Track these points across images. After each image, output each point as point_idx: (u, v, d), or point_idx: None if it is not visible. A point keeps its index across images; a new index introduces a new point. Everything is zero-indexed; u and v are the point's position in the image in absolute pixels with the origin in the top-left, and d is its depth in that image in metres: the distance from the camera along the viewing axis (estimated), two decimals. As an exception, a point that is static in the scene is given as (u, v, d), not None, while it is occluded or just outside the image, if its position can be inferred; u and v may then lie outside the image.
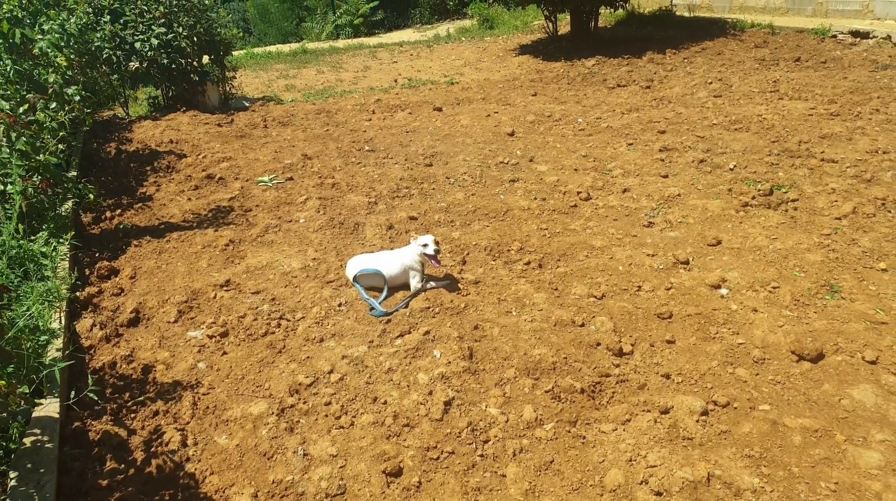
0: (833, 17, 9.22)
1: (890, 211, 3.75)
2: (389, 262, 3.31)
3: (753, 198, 4.03)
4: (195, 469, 2.26)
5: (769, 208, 3.92)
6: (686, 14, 10.93)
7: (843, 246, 3.42)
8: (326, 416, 2.47)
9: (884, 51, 7.52)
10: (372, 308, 3.15)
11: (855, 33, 8.19)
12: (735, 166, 4.53)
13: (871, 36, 8.01)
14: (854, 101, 5.70)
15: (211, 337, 3.03)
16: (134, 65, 6.87)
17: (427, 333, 2.88)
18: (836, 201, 3.90)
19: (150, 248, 3.96)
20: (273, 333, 3.04)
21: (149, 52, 6.59)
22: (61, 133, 4.11)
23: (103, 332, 3.05)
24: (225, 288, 3.45)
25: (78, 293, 3.33)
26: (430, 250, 3.19)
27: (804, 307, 2.93)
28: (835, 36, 8.36)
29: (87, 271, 3.65)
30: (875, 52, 7.51)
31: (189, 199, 4.77)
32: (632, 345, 2.76)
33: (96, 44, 6.33)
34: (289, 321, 3.13)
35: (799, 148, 4.74)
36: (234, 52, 8.02)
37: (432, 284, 3.31)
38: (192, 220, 4.37)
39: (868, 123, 5.13)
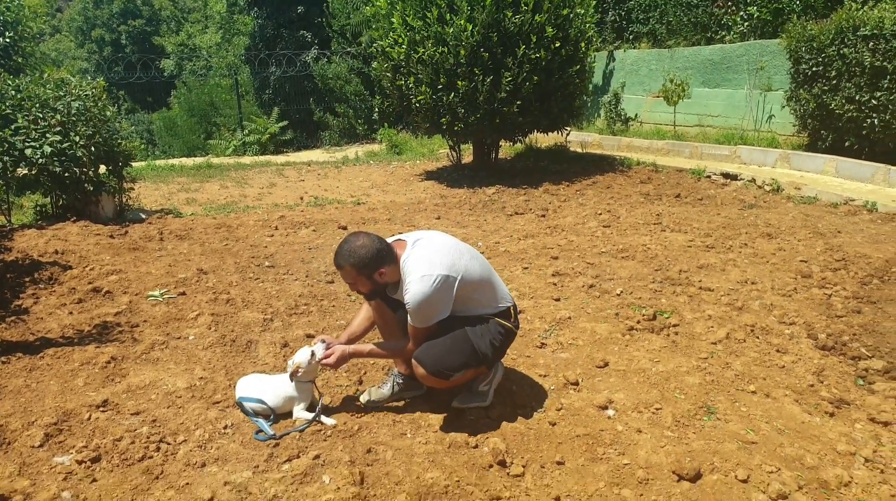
0: (707, 159, 10.24)
1: (758, 337, 4.05)
2: (276, 389, 3.16)
3: (638, 322, 4.25)
4: None
5: (652, 333, 4.14)
6: (579, 150, 11.84)
7: (718, 369, 3.63)
8: (202, 551, 2.29)
9: (750, 191, 8.37)
10: (259, 431, 3.01)
11: (726, 175, 9.11)
12: (622, 292, 4.79)
13: (739, 178, 8.93)
14: (726, 235, 6.25)
15: (80, 463, 2.78)
16: (22, 171, 6.62)
17: (317, 457, 2.77)
18: (712, 327, 4.17)
19: (21, 365, 3.68)
20: (151, 457, 2.84)
21: (40, 160, 6.39)
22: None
23: (-47, 459, 2.75)
24: (101, 409, 3.22)
25: (-72, 415, 3.01)
26: (320, 353, 3.07)
27: (684, 428, 3.05)
28: (709, 176, 9.25)
29: (-57, 390, 3.33)
30: (743, 192, 8.34)
31: (71, 313, 4.51)
32: (523, 467, 2.76)
33: (-18, 149, 6.09)
34: (169, 444, 2.94)
35: (679, 276, 5.09)
36: (134, 164, 7.89)
37: (324, 419, 3.09)
38: (72, 335, 4.12)
39: (738, 255, 5.62)
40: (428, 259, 2.83)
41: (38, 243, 5.84)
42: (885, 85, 7.98)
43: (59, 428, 3.04)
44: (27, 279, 5.03)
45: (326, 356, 3.05)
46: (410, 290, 2.79)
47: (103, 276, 5.13)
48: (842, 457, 2.83)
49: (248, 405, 3.17)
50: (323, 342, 3.14)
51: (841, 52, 8.41)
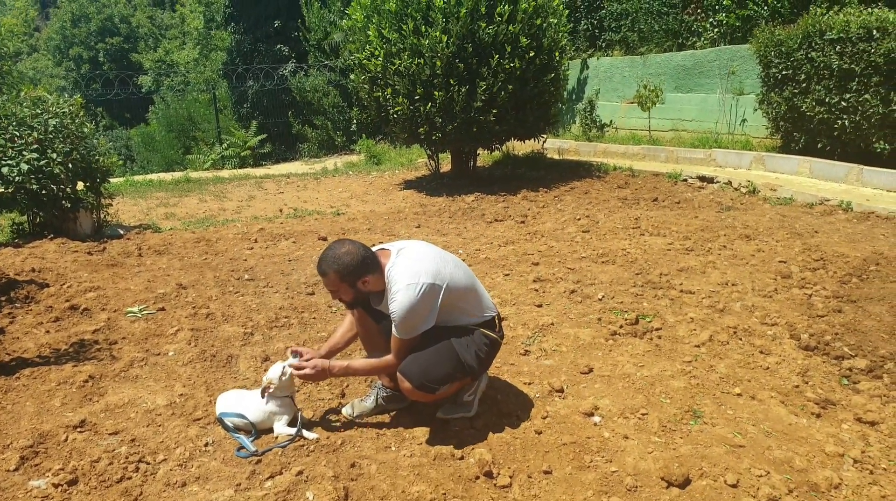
0: (683, 163, 10.34)
1: (741, 338, 4.07)
2: (257, 404, 3.12)
3: (621, 327, 4.26)
4: None
5: (635, 337, 4.15)
6: (556, 157, 11.91)
7: (702, 372, 3.64)
8: (184, 572, 2.24)
9: (726, 194, 8.46)
10: (240, 448, 2.97)
11: (702, 178, 9.20)
12: (603, 297, 4.80)
13: (715, 181, 9.02)
14: (705, 238, 6.30)
15: (57, 486, 2.72)
16: (-2, 190, 6.53)
17: (300, 473, 2.74)
18: (694, 330, 4.19)
19: (-5, 386, 3.60)
20: (130, 478, 2.78)
21: (17, 178, 6.30)
22: None
23: (-75, 486, 2.68)
24: (79, 429, 3.16)
25: None
26: (289, 370, 3.02)
27: (671, 433, 3.05)
28: (686, 180, 9.34)
29: (-85, 415, 3.25)
30: (719, 195, 8.43)
31: (48, 331, 4.43)
32: (510, 477, 2.74)
33: (-44, 168, 6.00)
34: (149, 463, 2.88)
35: (660, 280, 5.12)
36: (112, 180, 7.80)
37: (305, 433, 3.06)
38: (48, 354, 4.04)
39: (718, 257, 5.66)
40: (413, 268, 2.81)
41: (14, 262, 5.74)
42: (854, 87, 8.12)
43: (35, 451, 2.97)
44: (3, 299, 4.94)
45: (300, 368, 3.00)
46: (396, 299, 2.77)
47: (81, 293, 5.05)
48: (830, 459, 2.84)
49: (229, 419, 3.13)
50: (295, 355, 3.09)
51: (809, 55, 8.54)
